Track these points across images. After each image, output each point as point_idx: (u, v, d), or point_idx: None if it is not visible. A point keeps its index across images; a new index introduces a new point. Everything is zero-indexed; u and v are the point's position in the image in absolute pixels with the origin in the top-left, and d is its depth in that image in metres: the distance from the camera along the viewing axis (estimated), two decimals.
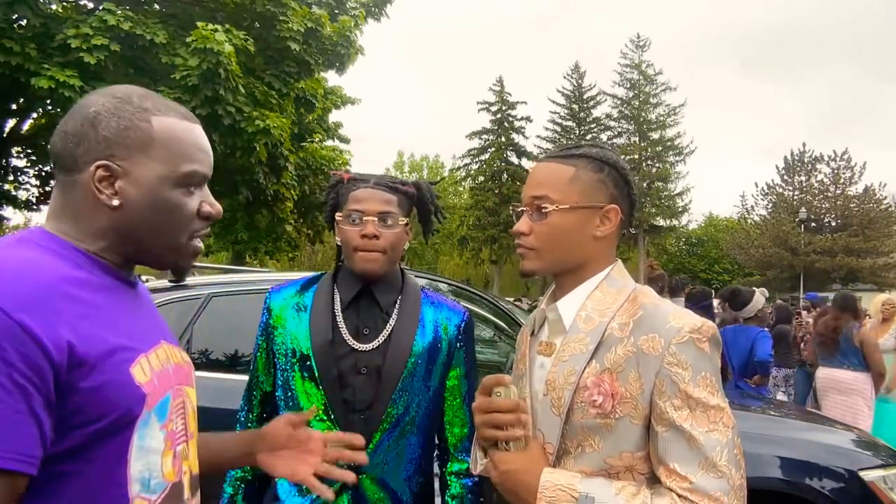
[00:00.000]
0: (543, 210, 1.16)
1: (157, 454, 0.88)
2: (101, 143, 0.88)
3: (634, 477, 1.10)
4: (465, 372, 1.55)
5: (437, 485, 1.61)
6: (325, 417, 1.43)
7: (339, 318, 1.48)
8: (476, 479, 1.53)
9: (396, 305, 1.51)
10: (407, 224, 1.51)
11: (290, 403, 1.47)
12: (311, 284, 1.56)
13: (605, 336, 1.12)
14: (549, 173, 1.19)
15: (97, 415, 0.79)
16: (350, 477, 1.21)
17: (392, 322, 1.49)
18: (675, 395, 1.04)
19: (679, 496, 1.01)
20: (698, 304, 5.35)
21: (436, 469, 1.62)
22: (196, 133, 0.96)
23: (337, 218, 1.50)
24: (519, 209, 1.22)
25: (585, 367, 1.11)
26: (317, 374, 1.43)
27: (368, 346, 1.45)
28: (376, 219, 1.44)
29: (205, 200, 0.96)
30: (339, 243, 1.52)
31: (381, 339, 1.46)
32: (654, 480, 1.09)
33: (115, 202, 0.88)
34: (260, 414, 1.56)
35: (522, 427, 1.12)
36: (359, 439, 1.23)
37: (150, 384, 0.86)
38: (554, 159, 1.21)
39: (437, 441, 1.59)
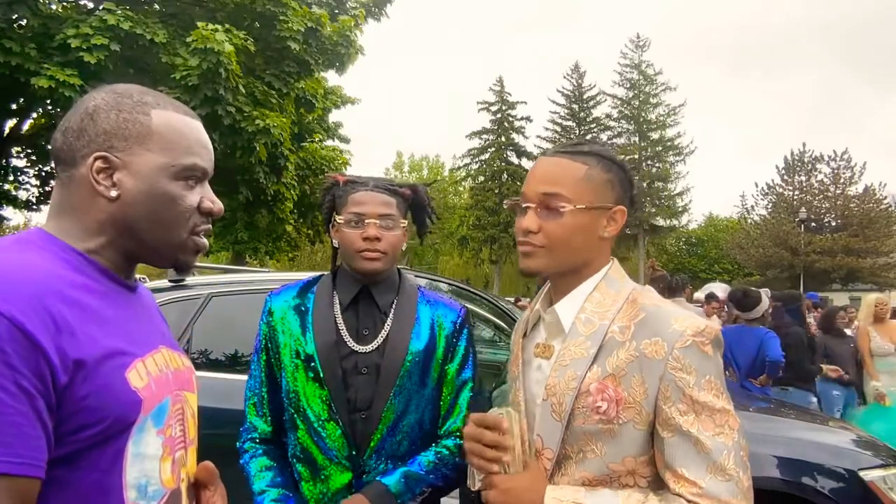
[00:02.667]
0: (560, 209, 1.12)
1: (155, 460, 0.86)
2: (100, 136, 0.88)
3: (637, 481, 1.08)
4: (460, 366, 1.56)
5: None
6: (329, 417, 1.45)
7: (339, 320, 1.50)
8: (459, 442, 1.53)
9: (393, 305, 1.53)
10: (405, 226, 1.54)
11: (295, 404, 1.49)
12: (310, 287, 1.58)
13: (606, 339, 1.10)
14: (562, 170, 1.14)
15: (93, 420, 0.78)
16: None
17: (389, 322, 1.51)
18: (680, 400, 1.04)
19: (689, 501, 1.01)
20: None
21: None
22: (195, 127, 0.96)
23: (337, 220, 1.51)
24: (524, 205, 1.16)
25: (587, 372, 1.09)
26: (322, 375, 1.45)
27: (368, 347, 1.48)
28: (378, 221, 1.47)
29: (206, 196, 0.95)
30: (337, 245, 1.54)
31: (379, 339, 1.49)
32: (656, 484, 1.08)
33: (113, 193, 0.88)
34: (274, 420, 1.54)
35: (508, 453, 1.12)
36: None
37: (146, 389, 0.85)
38: (564, 155, 1.16)
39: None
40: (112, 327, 0.84)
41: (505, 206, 1.27)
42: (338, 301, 1.53)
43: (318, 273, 1.67)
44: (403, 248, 1.56)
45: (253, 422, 1.54)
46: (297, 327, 1.50)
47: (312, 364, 1.46)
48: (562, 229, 1.13)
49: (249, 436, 1.55)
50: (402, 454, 1.48)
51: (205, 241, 0.97)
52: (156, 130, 0.90)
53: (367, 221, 1.46)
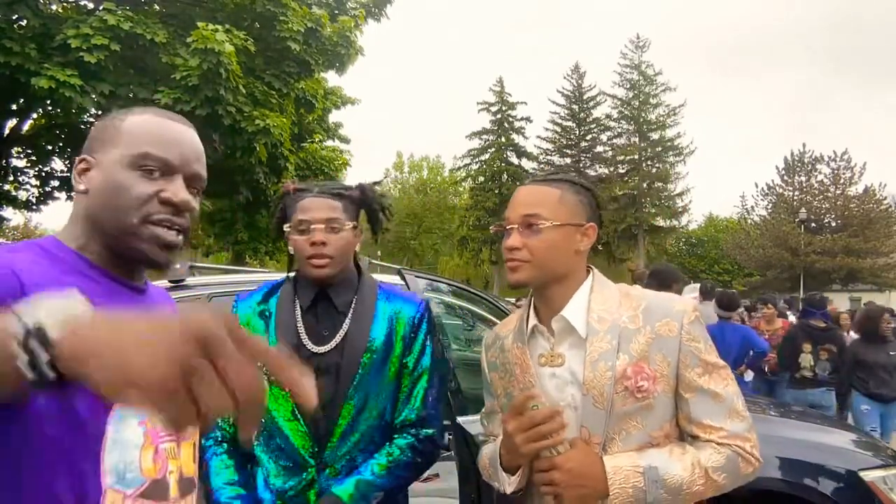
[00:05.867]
0: (539, 226, 1.30)
1: (136, 449, 0.89)
2: (88, 143, 0.99)
3: (670, 441, 1.28)
4: (418, 357, 1.61)
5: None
6: (292, 417, 1.51)
7: (300, 323, 1.55)
8: (419, 451, 1.57)
9: (352, 304, 1.58)
10: (356, 227, 1.59)
11: None
12: (273, 291, 1.64)
13: (621, 330, 1.27)
14: (539, 195, 1.34)
15: (65, 402, 0.80)
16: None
17: (348, 321, 1.56)
18: (697, 365, 1.26)
19: (719, 444, 1.24)
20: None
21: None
22: (167, 126, 0.98)
23: (286, 229, 1.57)
24: (508, 227, 1.34)
25: (616, 361, 1.25)
26: None
27: (326, 348, 1.53)
28: (323, 226, 1.52)
29: (168, 188, 0.95)
30: (292, 252, 1.59)
31: (337, 338, 1.54)
32: (680, 440, 1.29)
33: (82, 187, 0.96)
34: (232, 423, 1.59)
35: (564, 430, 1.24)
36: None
37: None
38: (540, 183, 1.37)
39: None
40: None
41: (491, 231, 1.39)
42: (298, 305, 1.58)
43: (281, 277, 1.71)
44: (357, 249, 1.61)
45: (219, 429, 1.60)
46: (261, 333, 1.55)
47: None
48: (541, 244, 1.30)
49: (212, 434, 1.60)
50: (363, 447, 1.53)
51: (170, 233, 0.95)
52: (125, 130, 0.97)
53: (312, 227, 1.51)
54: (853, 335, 6.91)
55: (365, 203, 1.65)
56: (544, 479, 1.24)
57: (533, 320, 1.37)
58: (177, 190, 0.96)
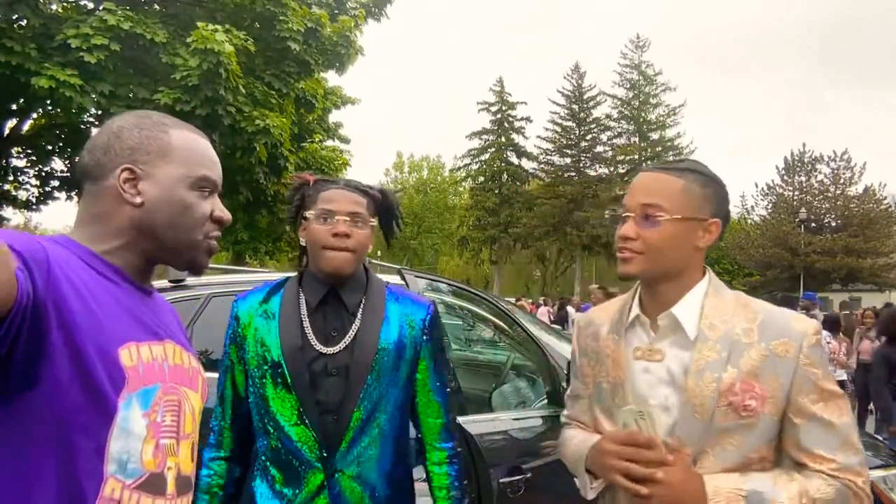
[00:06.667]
0: (657, 218, 1.22)
1: (139, 440, 0.91)
2: (125, 151, 1.00)
3: (764, 466, 1.21)
4: (433, 364, 1.57)
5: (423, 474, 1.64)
6: (298, 421, 1.46)
7: (307, 323, 1.50)
8: (458, 464, 1.56)
9: (362, 305, 1.53)
10: (373, 225, 1.55)
11: (263, 410, 1.49)
12: (276, 290, 1.57)
13: (733, 342, 1.20)
14: (661, 183, 1.25)
15: (79, 383, 0.84)
16: None
17: (358, 322, 1.50)
18: (812, 391, 1.18)
19: (829, 475, 1.16)
20: None
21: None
22: (206, 145, 1.08)
23: (307, 216, 1.51)
24: (623, 214, 1.27)
25: (723, 374, 1.19)
26: (289, 381, 1.45)
27: (335, 349, 1.48)
28: (347, 218, 1.47)
29: (217, 206, 1.08)
30: (305, 243, 1.54)
31: (347, 339, 1.49)
32: (779, 466, 1.22)
33: (138, 200, 0.99)
34: (233, 420, 1.57)
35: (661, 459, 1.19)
36: None
37: (133, 369, 0.91)
38: (663, 171, 1.27)
39: (415, 433, 1.61)
40: (110, 313, 0.91)
41: (606, 217, 1.35)
42: (304, 303, 1.52)
43: (284, 275, 1.66)
44: (369, 250, 1.56)
45: (219, 431, 1.58)
46: (264, 333, 1.50)
47: (280, 370, 1.46)
48: (658, 236, 1.23)
49: (210, 440, 1.57)
50: (372, 453, 1.48)
51: (215, 244, 1.08)
52: (174, 146, 1.03)
53: (336, 218, 1.47)
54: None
55: (384, 208, 1.60)
56: (639, 490, 1.18)
57: (636, 310, 1.31)
58: (223, 208, 1.08)
